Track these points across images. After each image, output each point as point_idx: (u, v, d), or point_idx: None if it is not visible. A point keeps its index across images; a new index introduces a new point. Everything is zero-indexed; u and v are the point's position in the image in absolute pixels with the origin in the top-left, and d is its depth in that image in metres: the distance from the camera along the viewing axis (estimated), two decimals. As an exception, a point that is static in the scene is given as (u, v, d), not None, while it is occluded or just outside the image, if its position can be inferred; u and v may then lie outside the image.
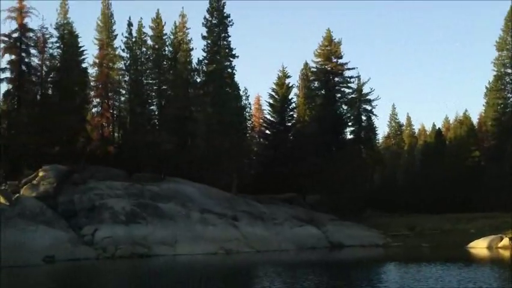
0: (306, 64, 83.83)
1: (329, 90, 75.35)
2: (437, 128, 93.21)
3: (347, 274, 32.15)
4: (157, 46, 69.44)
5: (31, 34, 60.52)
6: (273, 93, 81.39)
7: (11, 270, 32.43)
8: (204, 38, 68.66)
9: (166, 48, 71.00)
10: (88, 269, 35.52)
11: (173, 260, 41.05)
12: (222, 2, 68.50)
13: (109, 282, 29.09)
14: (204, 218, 48.37)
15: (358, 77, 76.02)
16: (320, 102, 74.83)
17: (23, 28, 59.65)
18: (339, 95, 76.47)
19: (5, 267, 32.68)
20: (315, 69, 77.67)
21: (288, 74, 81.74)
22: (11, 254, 34.46)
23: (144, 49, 69.36)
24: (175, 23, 72.97)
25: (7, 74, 59.28)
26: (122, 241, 41.88)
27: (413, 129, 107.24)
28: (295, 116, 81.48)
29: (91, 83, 70.10)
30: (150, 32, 69.74)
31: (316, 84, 79.05)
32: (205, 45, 68.82)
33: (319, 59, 76.26)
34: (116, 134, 72.82)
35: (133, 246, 41.93)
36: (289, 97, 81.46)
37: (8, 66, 59.20)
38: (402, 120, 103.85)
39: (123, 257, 40.43)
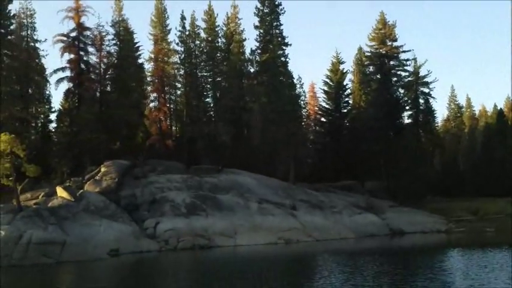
0: (360, 49, 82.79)
1: (384, 74, 73.93)
2: (498, 108, 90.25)
3: (408, 262, 31.74)
4: (210, 38, 70.03)
5: (88, 33, 62.09)
6: (328, 80, 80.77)
7: (79, 264, 33.63)
8: (256, 27, 68.78)
9: (219, 40, 71.66)
10: (151, 261, 36.40)
11: (234, 250, 41.53)
12: (274, -10, 68.25)
13: (173, 273, 29.71)
14: (262, 208, 48.65)
15: (414, 59, 74.24)
16: (375, 87, 73.57)
17: (80, 27, 61.22)
18: (395, 78, 74.93)
19: (73, 262, 33.93)
20: (369, 54, 76.44)
21: (342, 60, 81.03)
22: (78, 248, 35.83)
23: (198, 42, 70.11)
24: (227, 14, 73.65)
25: (67, 73, 61.16)
26: (184, 233, 42.68)
27: (474, 110, 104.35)
28: (350, 102, 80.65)
29: (148, 78, 71.43)
30: (203, 25, 70.52)
31: (371, 68, 77.76)
32: (257, 35, 69.06)
33: (373, 43, 74.96)
34: (173, 128, 74.00)
35: (194, 237, 42.66)
36: (344, 83, 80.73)
37: (67, 65, 60.98)
38: (462, 102, 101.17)
39: (185, 248, 41.26)
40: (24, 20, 64.11)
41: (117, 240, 39.67)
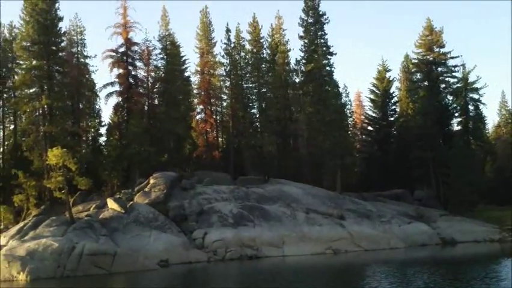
0: (406, 56, 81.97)
1: (432, 81, 72.76)
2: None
3: (460, 272, 30.94)
4: (255, 50, 70.56)
5: (136, 48, 63.58)
6: (374, 88, 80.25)
7: (130, 275, 34.18)
8: (300, 37, 68.91)
9: (264, 51, 72.05)
10: (201, 272, 36.69)
11: (282, 261, 41.43)
12: (317, 0, 68.34)
13: (222, 284, 29.88)
14: (309, 218, 48.46)
15: (463, 65, 72.79)
16: (423, 94, 72.42)
17: (128, 42, 62.65)
18: (443, 85, 73.62)
19: (124, 273, 34.53)
20: (416, 61, 75.43)
21: (388, 68, 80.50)
22: (129, 259, 36.37)
23: (243, 54, 70.78)
24: (271, 25, 74.12)
25: (116, 88, 62.64)
26: (232, 243, 42.91)
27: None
28: (397, 110, 79.79)
29: (194, 91, 72.49)
30: (248, 37, 71.09)
31: (418, 75, 76.62)
32: (302, 45, 69.15)
33: (420, 50, 73.95)
34: (220, 139, 74.76)
35: (242, 248, 42.84)
36: (391, 91, 79.99)
37: (116, 79, 62.43)
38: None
39: (233, 259, 41.42)
40: (75, 37, 66.25)
41: (166, 251, 40.22)
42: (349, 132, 72.73)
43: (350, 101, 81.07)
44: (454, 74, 72.98)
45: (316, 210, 50.73)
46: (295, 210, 49.72)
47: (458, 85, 72.68)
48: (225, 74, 70.58)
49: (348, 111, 76.99)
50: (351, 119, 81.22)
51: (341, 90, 70.72)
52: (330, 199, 54.84)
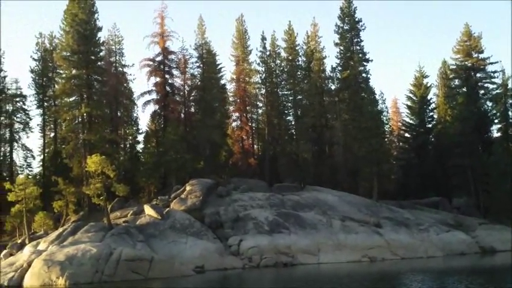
0: (444, 62, 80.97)
1: (470, 87, 71.57)
2: None
3: (499, 281, 30.33)
4: (290, 57, 70.58)
5: (173, 56, 64.42)
6: (411, 95, 79.41)
7: (166, 280, 34.53)
8: (336, 44, 68.75)
9: (300, 59, 72.01)
10: (236, 278, 36.82)
11: (317, 268, 41.24)
12: (353, 7, 68.17)
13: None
14: (345, 226, 48.15)
15: (502, 71, 71.48)
16: (461, 101, 71.22)
17: (165, 51, 63.57)
18: (482, 91, 72.32)
19: (160, 278, 34.89)
20: (454, 67, 74.36)
21: (426, 74, 79.58)
22: (165, 265, 36.75)
23: (278, 61, 70.82)
24: (307, 32, 74.14)
25: (153, 96, 63.56)
26: (267, 250, 42.92)
27: None
28: (435, 116, 78.72)
29: (230, 98, 72.97)
30: (283, 44, 71.16)
31: (456, 82, 75.48)
32: (337, 52, 68.94)
33: (458, 56, 72.90)
34: (255, 146, 74.98)
35: (277, 255, 42.80)
36: (428, 97, 79.02)
37: (153, 88, 63.36)
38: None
39: (268, 266, 41.40)
40: (113, 47, 67.49)
41: (202, 257, 40.54)
42: (386, 139, 71.97)
43: (386, 107, 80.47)
44: (493, 79, 71.69)
45: (353, 218, 50.38)
46: (331, 218, 49.48)
47: (498, 91, 71.21)
48: (260, 81, 70.84)
49: (384, 118, 76.33)
50: (388, 125, 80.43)
51: (377, 97, 70.13)
52: (366, 207, 54.40)
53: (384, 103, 78.44)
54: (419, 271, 36.83)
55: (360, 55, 67.26)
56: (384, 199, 60.52)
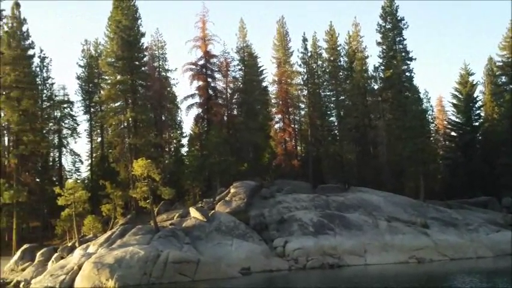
0: (490, 59, 79.27)
1: (518, 84, 69.94)
2: None
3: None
4: (332, 58, 70.35)
5: (215, 60, 64.92)
6: (456, 93, 77.94)
7: (213, 282, 34.81)
8: (378, 44, 68.23)
9: (341, 59, 71.73)
10: (282, 280, 36.85)
11: (364, 269, 40.87)
12: (395, 5, 67.47)
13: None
14: (392, 227, 47.52)
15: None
16: (509, 98, 69.59)
17: (207, 55, 64.09)
18: (530, 87, 70.57)
19: (207, 280, 35.18)
20: (501, 63, 72.76)
21: (471, 71, 77.93)
22: (212, 267, 37.02)
23: (320, 62, 70.58)
24: (348, 32, 73.66)
25: (196, 99, 64.10)
26: (312, 252, 42.73)
27: None
28: (482, 114, 77.05)
29: (272, 100, 73.10)
30: (324, 45, 70.96)
31: (503, 78, 73.82)
32: (380, 51, 68.38)
33: (504, 52, 71.33)
34: (298, 148, 74.88)
35: (323, 256, 42.56)
36: (474, 95, 77.34)
37: (196, 91, 63.92)
38: None
39: (314, 267, 41.19)
40: (156, 52, 68.47)
41: (248, 259, 40.62)
42: (431, 138, 70.83)
43: (431, 106, 79.22)
44: (542, 75, 69.77)
45: (399, 219, 49.71)
46: (377, 219, 48.89)
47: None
48: (302, 82, 70.66)
49: (429, 117, 75.14)
50: (433, 124, 79.16)
51: (421, 95, 69.06)
52: (412, 207, 53.59)
53: (429, 102, 77.31)
54: (468, 272, 36.13)
55: (403, 54, 66.54)
56: (431, 199, 59.52)
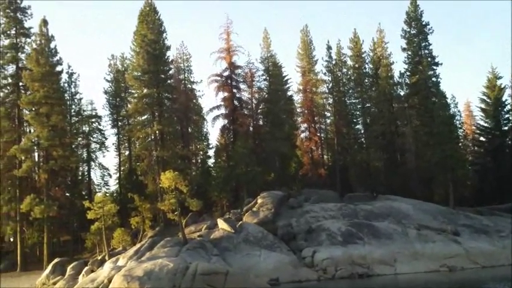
0: (518, 62, 78.00)
1: (548, 87, 68.80)
2: None
3: None
4: (357, 65, 70.10)
5: (240, 71, 65.02)
6: (484, 97, 76.85)
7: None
8: (403, 49, 67.83)
9: (366, 66, 71.37)
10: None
11: (394, 279, 40.39)
12: (420, 11, 67.00)
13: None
14: (422, 235, 46.91)
15: None
16: (538, 101, 68.55)
17: (232, 66, 64.31)
18: (560, 90, 69.37)
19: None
20: (529, 66, 71.75)
21: (499, 75, 76.70)
22: (240, 278, 36.98)
23: (345, 70, 70.37)
24: (373, 39, 73.29)
25: (222, 110, 64.30)
26: (341, 262, 42.33)
27: None
28: (511, 118, 75.71)
29: (297, 110, 72.98)
30: (349, 52, 70.70)
31: (532, 82, 72.71)
32: (405, 57, 67.88)
33: (533, 54, 70.39)
34: (325, 156, 74.56)
35: (352, 266, 42.16)
36: (503, 99, 76.10)
37: (222, 103, 64.17)
38: None
39: (343, 277, 40.85)
40: (181, 64, 69.00)
41: (276, 270, 40.49)
42: (460, 144, 69.92)
43: (459, 111, 78.19)
44: None
45: (429, 226, 49.07)
46: (406, 227, 48.34)
47: None
48: (327, 91, 70.50)
49: (457, 122, 74.20)
50: (461, 130, 78.13)
51: (448, 100, 68.27)
52: (442, 214, 52.90)
53: (457, 107, 76.26)
54: (501, 280, 35.51)
55: (429, 59, 65.99)
56: (461, 206, 58.63)
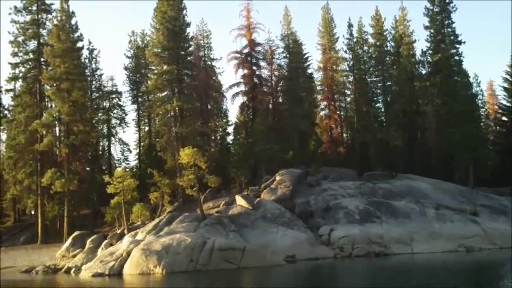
0: (543, 40, 76.44)
1: None
2: None
3: None
4: (378, 43, 69.33)
5: (260, 48, 64.89)
6: (507, 76, 75.56)
7: (259, 269, 35.05)
8: (426, 28, 66.78)
9: (388, 44, 70.54)
10: (327, 268, 36.78)
11: (411, 258, 40.36)
12: (444, -12, 65.85)
13: (351, 280, 29.89)
14: (440, 214, 46.64)
15: None
16: None
17: (252, 43, 64.11)
18: None
19: (253, 267, 35.45)
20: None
21: (523, 54, 75.29)
22: (257, 254, 37.29)
23: (366, 48, 69.77)
24: (394, 17, 72.35)
25: (241, 88, 64.42)
26: (358, 240, 42.40)
27: None
28: (535, 97, 74.51)
29: (317, 87, 72.62)
30: (370, 30, 70.00)
31: (555, 60, 71.27)
32: (428, 35, 66.89)
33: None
34: (344, 135, 74.29)
35: (369, 245, 42.17)
36: (527, 78, 74.78)
37: (241, 80, 64.13)
38: None
39: (359, 255, 40.94)
40: (201, 41, 68.90)
41: (293, 247, 40.73)
42: (481, 124, 69.08)
43: (481, 90, 77.10)
44: None
45: (447, 206, 48.78)
46: (425, 206, 48.04)
47: None
48: (348, 69, 70.06)
49: (479, 101, 73.20)
50: (484, 109, 77.11)
51: (471, 79, 67.38)
52: (461, 194, 52.57)
53: (479, 86, 75.17)
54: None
55: (452, 37, 65.05)
56: (481, 186, 58.09)
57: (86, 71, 63.34)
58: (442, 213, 46.85)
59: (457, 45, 65.03)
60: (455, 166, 62.30)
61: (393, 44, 70.76)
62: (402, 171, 59.05)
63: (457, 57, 65.01)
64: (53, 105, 58.58)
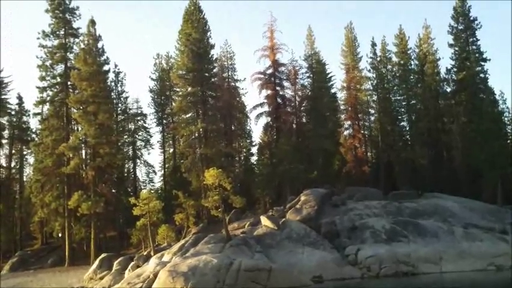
0: None
1: None
2: None
3: None
4: (402, 62, 69.15)
5: (283, 68, 65.00)
6: (535, 93, 74.67)
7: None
8: (450, 45, 66.58)
9: (412, 62, 70.30)
10: (355, 288, 36.41)
11: (440, 277, 39.73)
12: (467, 6, 65.75)
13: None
14: (468, 233, 45.98)
15: None
16: None
17: (275, 64, 64.35)
18: None
19: (279, 288, 35.24)
20: None
21: (550, 70, 74.35)
22: (283, 275, 37.10)
23: (389, 66, 69.59)
24: (418, 35, 72.14)
25: (265, 108, 64.48)
26: (385, 260, 41.82)
27: None
28: None
29: (341, 107, 72.50)
30: (394, 49, 69.86)
31: None
32: (452, 53, 66.64)
33: None
34: (369, 154, 73.85)
35: (397, 264, 41.59)
36: (554, 94, 73.81)
37: (265, 100, 64.34)
38: None
39: (387, 275, 40.41)
40: (225, 63, 69.51)
41: (320, 267, 40.35)
42: (508, 141, 68.10)
43: (507, 107, 76.02)
44: None
45: (476, 225, 48.06)
46: (452, 225, 47.42)
47: None
48: (372, 88, 69.90)
49: (506, 118, 72.25)
50: (510, 127, 76.04)
51: (497, 97, 66.64)
52: (490, 213, 51.72)
53: (505, 103, 74.15)
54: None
55: (477, 55, 64.59)
56: (510, 204, 57.13)
57: (112, 93, 64.22)
58: (471, 232, 46.19)
59: (482, 63, 64.54)
60: (482, 184, 61.43)
61: (417, 62, 70.52)
62: (428, 190, 58.38)
63: (482, 75, 64.47)
64: (80, 128, 59.31)
